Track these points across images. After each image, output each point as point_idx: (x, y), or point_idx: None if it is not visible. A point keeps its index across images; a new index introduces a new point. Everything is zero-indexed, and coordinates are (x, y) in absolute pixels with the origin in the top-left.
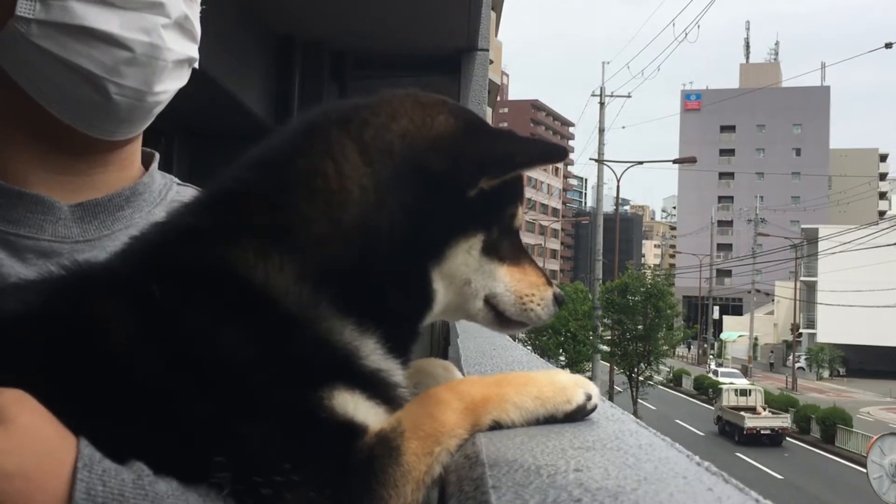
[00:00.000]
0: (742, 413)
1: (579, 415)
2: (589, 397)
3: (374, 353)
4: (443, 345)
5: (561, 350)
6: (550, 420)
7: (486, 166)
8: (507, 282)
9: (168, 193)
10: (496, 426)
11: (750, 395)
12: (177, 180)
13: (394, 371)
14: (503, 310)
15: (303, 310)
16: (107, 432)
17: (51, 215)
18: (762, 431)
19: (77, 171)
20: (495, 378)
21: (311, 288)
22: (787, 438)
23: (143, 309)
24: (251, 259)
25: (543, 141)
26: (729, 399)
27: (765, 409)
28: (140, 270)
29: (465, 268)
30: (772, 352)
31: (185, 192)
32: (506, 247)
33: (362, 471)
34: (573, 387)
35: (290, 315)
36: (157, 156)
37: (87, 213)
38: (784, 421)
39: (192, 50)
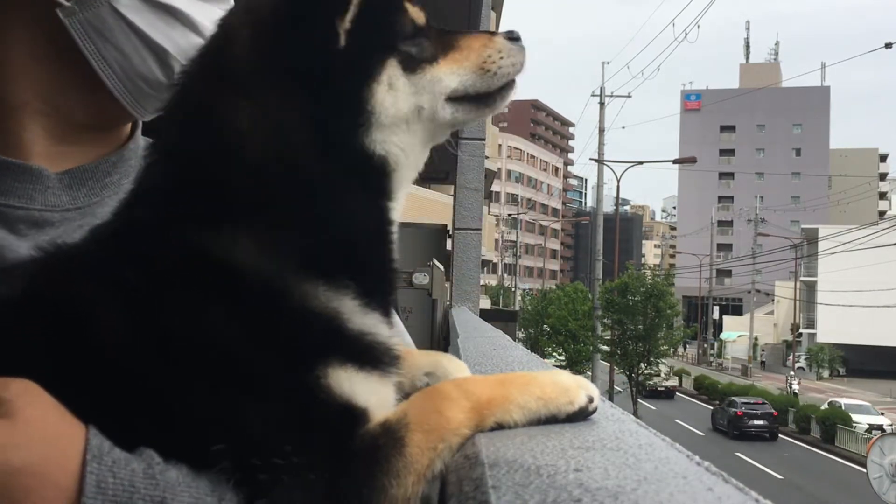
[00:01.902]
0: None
1: (581, 416)
2: (591, 399)
3: (354, 314)
4: (443, 344)
5: (561, 349)
6: (552, 420)
7: (328, 8)
8: (456, 69)
9: None
10: (498, 427)
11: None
12: None
13: (377, 328)
14: (475, 91)
15: (273, 281)
16: (104, 420)
17: (39, 184)
18: (659, 388)
19: (79, 143)
20: (499, 378)
21: (272, 254)
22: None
23: (124, 296)
24: (209, 240)
25: None
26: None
27: (668, 377)
28: (116, 261)
29: (404, 102)
30: (763, 350)
31: None
32: (426, 46)
33: (365, 458)
34: (576, 388)
35: (264, 290)
36: (140, 121)
37: (76, 180)
38: (675, 382)
39: None
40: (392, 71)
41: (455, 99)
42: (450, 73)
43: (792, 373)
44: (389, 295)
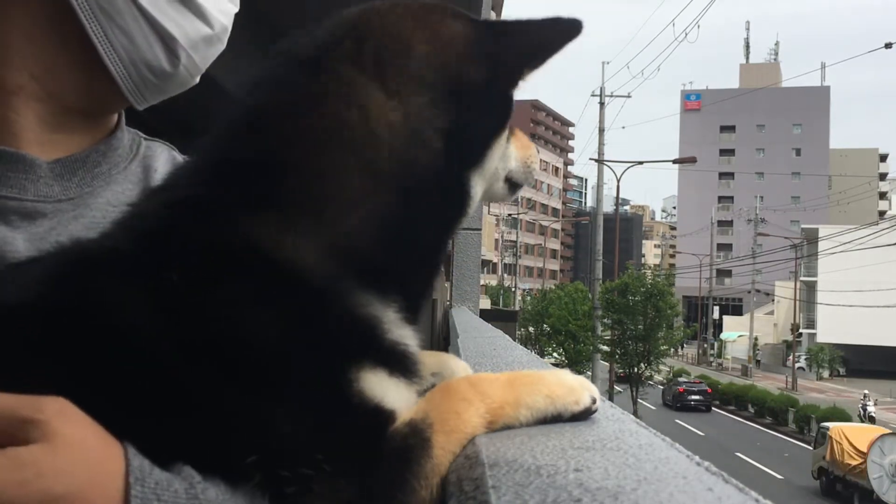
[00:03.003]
0: None
1: (584, 416)
2: (594, 400)
3: (394, 324)
4: (443, 344)
5: (561, 349)
6: (557, 419)
7: (529, 59)
8: (516, 154)
9: (140, 149)
10: (506, 428)
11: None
12: (142, 134)
13: (409, 339)
14: (517, 180)
15: (329, 283)
16: (136, 433)
17: (31, 174)
18: (620, 374)
19: (72, 131)
20: (509, 377)
21: (340, 257)
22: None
23: (162, 297)
24: (275, 233)
25: (556, 18)
26: None
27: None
28: (151, 252)
29: (497, 162)
30: (758, 350)
31: (155, 147)
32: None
33: (396, 460)
34: (580, 388)
35: (317, 292)
36: (123, 110)
37: (67, 169)
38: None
39: None
40: (505, 132)
41: (507, 180)
42: (514, 154)
43: (866, 391)
44: (421, 313)
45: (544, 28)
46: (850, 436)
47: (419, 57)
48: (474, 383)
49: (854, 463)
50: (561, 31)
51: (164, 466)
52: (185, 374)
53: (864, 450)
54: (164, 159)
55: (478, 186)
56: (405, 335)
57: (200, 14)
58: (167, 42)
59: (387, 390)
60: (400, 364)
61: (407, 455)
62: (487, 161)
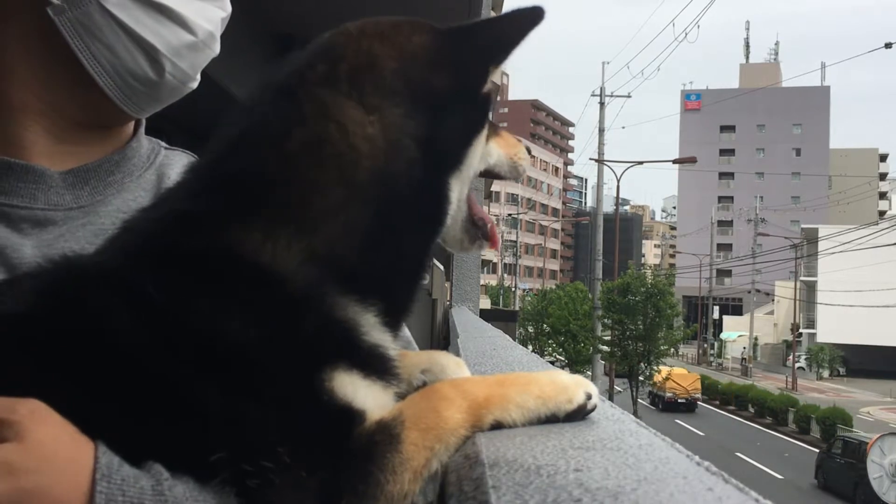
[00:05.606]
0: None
1: (580, 414)
2: (589, 397)
3: (373, 328)
4: (443, 344)
5: (561, 350)
6: (552, 419)
7: (492, 56)
8: (498, 150)
9: (157, 158)
10: (497, 426)
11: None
12: (164, 144)
13: (388, 344)
14: (502, 173)
15: (309, 288)
16: (113, 431)
17: (42, 183)
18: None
19: (80, 142)
20: (497, 378)
21: (321, 264)
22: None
23: (144, 302)
24: (258, 241)
25: (516, 10)
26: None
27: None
28: (139, 262)
29: (478, 161)
30: (744, 349)
31: (174, 157)
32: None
33: (361, 456)
34: (574, 386)
35: (296, 296)
36: (143, 120)
37: (79, 179)
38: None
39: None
40: (484, 131)
41: (486, 173)
42: (496, 151)
43: (712, 353)
44: (404, 320)
45: (504, 22)
46: (663, 372)
47: (388, 72)
48: (457, 384)
49: (659, 382)
50: (522, 21)
51: (139, 464)
52: (162, 373)
53: (665, 377)
54: (179, 167)
55: (456, 189)
56: (384, 339)
57: (181, 22)
58: (149, 52)
59: (358, 391)
60: (377, 367)
61: (372, 449)
62: (467, 163)
